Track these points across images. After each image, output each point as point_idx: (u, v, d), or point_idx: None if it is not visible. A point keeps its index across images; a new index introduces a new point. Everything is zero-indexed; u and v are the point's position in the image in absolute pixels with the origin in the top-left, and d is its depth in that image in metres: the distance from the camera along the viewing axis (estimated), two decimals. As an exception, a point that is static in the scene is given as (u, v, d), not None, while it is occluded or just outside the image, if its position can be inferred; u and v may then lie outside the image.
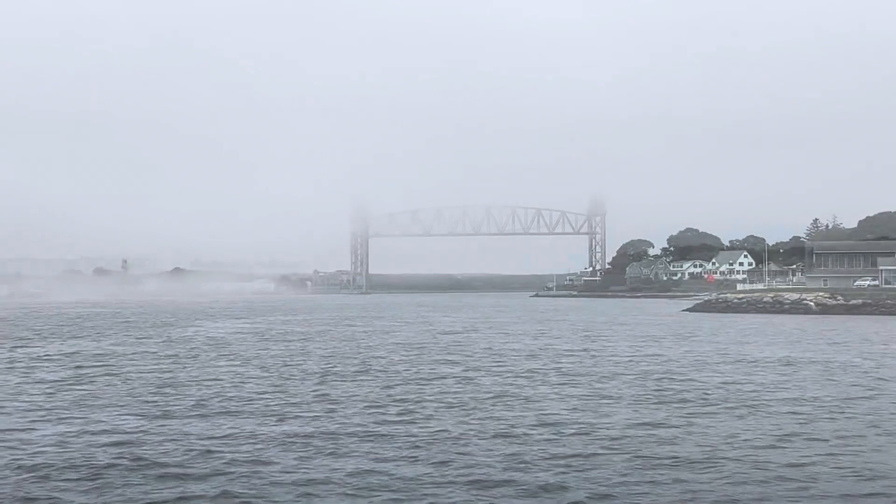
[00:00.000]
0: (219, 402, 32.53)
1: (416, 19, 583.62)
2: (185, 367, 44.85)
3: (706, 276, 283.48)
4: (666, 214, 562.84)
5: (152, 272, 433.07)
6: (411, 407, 30.93)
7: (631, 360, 48.66)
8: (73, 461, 22.43)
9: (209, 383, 37.87)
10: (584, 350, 56.03)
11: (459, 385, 37.15)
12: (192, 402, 32.20)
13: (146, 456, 22.92)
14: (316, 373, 42.34)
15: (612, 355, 51.93)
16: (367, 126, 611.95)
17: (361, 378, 39.69)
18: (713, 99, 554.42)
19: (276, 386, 37.10)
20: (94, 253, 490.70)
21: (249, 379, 39.63)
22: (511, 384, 37.44)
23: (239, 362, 47.99)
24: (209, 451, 23.45)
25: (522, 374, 40.85)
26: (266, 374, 41.66)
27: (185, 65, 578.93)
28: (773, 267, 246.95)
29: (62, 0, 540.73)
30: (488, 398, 33.04)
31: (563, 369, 43.56)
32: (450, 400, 32.73)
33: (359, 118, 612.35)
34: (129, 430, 26.69)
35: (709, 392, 34.87)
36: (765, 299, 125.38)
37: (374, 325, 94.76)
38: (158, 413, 29.93)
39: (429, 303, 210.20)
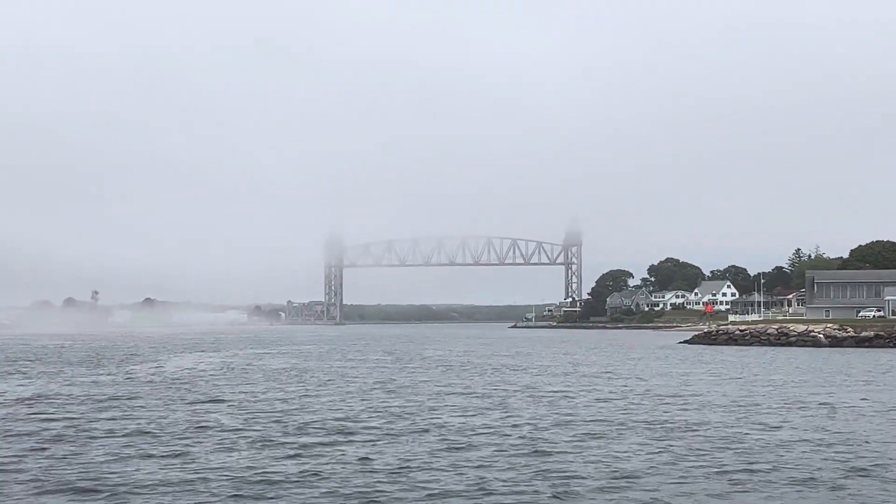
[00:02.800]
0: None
1: (389, 51, 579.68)
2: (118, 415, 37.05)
3: (705, 306, 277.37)
4: (643, 245, 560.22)
5: (123, 303, 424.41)
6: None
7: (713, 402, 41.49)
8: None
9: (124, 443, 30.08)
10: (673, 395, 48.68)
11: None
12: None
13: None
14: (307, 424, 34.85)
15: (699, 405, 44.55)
16: (340, 156, 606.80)
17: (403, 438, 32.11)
18: (689, 130, 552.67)
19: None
20: (64, 284, 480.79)
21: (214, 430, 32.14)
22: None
23: (198, 409, 40.34)
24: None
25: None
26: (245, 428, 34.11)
27: (151, 96, 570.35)
28: (758, 297, 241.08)
29: (19, 32, 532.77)
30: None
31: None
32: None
33: (332, 148, 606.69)
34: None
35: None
36: (769, 331, 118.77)
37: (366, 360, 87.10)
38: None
39: (409, 335, 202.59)
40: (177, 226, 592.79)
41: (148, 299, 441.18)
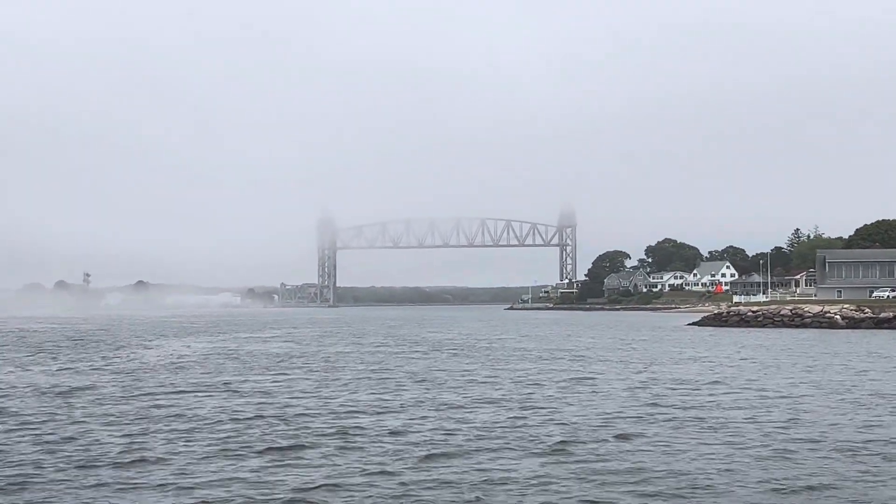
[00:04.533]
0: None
1: (389, 51, 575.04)
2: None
3: (705, 287, 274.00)
4: (638, 226, 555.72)
5: (115, 285, 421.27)
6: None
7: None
8: None
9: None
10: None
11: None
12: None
13: None
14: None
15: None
16: (334, 139, 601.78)
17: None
18: (684, 112, 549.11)
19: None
20: (56, 266, 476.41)
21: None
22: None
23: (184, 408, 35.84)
24: None
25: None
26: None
27: (146, 78, 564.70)
28: (757, 278, 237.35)
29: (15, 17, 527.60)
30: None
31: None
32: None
33: (326, 131, 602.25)
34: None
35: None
36: (783, 312, 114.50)
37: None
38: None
39: (406, 317, 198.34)
40: (169, 208, 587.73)
41: (140, 282, 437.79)
